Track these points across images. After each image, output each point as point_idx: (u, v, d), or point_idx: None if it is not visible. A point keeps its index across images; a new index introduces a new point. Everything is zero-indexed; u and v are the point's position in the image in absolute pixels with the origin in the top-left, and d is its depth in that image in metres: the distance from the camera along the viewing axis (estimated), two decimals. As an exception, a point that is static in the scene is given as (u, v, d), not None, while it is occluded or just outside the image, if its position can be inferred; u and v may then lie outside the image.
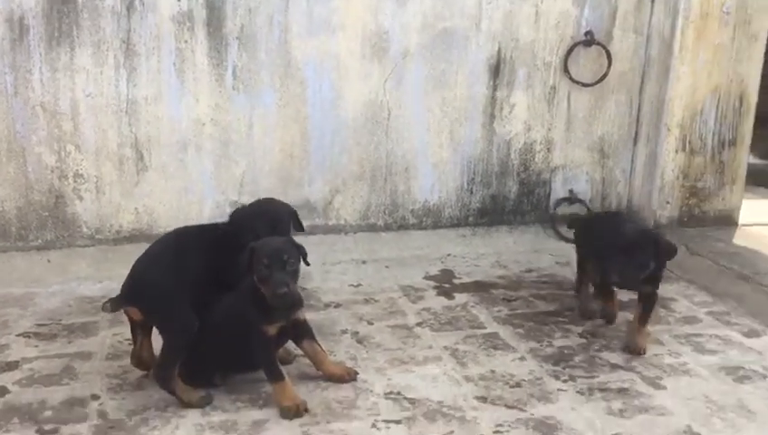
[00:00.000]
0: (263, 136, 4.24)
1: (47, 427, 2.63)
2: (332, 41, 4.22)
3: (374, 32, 4.26)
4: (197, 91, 4.12)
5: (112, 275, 3.98)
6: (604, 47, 4.55)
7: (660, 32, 4.57)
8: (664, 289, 4.01)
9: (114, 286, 3.88)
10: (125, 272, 4.02)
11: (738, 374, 3.10)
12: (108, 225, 4.16)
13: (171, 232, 3.13)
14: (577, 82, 4.57)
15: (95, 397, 2.84)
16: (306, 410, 2.72)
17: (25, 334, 3.36)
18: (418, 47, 4.33)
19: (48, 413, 2.72)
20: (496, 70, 4.46)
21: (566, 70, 4.55)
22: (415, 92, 4.38)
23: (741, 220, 4.81)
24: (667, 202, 4.64)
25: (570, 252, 4.63)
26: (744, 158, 4.75)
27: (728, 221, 4.75)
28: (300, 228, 3.22)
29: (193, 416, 2.71)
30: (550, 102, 4.58)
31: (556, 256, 4.52)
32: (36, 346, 3.25)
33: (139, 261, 3.00)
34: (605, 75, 4.58)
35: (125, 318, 3.48)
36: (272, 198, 3.32)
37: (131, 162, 4.12)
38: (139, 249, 4.19)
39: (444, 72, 4.39)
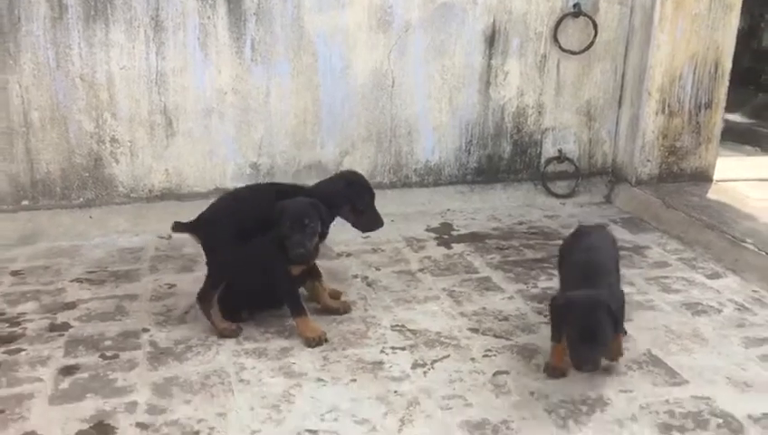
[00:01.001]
0: (279, 103, 4.68)
1: (108, 353, 3.12)
2: (341, 15, 4.63)
3: (379, 6, 4.67)
4: (219, 63, 4.54)
5: (147, 229, 4.50)
6: (591, 18, 4.95)
7: (642, 3, 4.96)
8: (640, 238, 4.51)
9: (149, 239, 4.42)
10: (158, 226, 4.57)
11: (697, 309, 3.58)
12: (141, 184, 4.62)
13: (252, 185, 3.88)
14: (566, 51, 4.98)
15: (145, 330, 3.33)
16: (326, 340, 3.22)
17: (77, 280, 3.85)
18: (420, 20, 4.74)
19: (108, 343, 3.21)
20: (491, 40, 4.87)
21: (556, 39, 4.95)
22: (416, 62, 4.80)
23: (716, 176, 5.26)
24: (648, 160, 5.08)
25: (557, 206, 5.12)
26: (719, 119, 5.17)
27: (704, 177, 5.20)
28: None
29: (229, 344, 3.21)
30: (541, 70, 5.00)
31: (545, 210, 4.99)
32: (89, 289, 3.73)
33: (214, 202, 3.59)
34: (591, 44, 4.99)
35: (163, 266, 4.01)
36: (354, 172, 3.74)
37: (161, 128, 4.56)
38: (170, 207, 4.74)
39: (443, 43, 4.81)
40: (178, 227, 3.42)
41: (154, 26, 4.39)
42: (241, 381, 2.93)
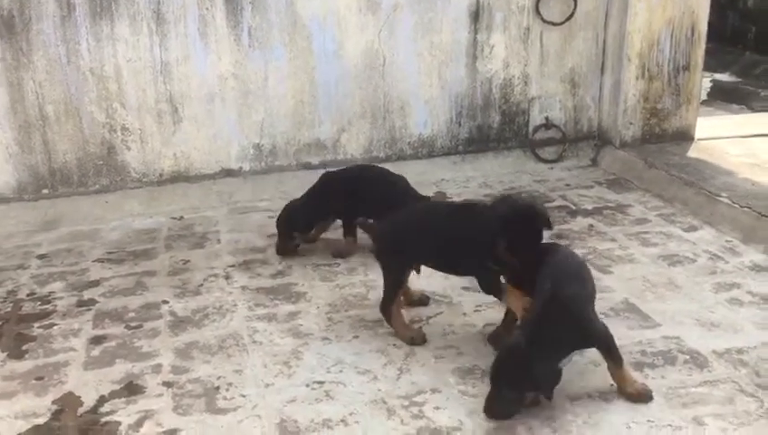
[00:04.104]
0: (277, 86, 4.95)
1: (133, 324, 3.44)
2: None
3: (368, -12, 4.92)
4: (219, 51, 4.81)
5: (159, 211, 4.80)
6: (570, -10, 5.18)
7: (620, -27, 5.19)
8: (624, 197, 4.78)
9: (162, 220, 4.72)
10: (170, 208, 4.87)
11: (673, 260, 3.87)
12: (152, 169, 4.92)
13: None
14: (548, 22, 5.21)
15: (165, 302, 3.64)
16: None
17: (99, 260, 4.15)
18: (406, 0, 4.98)
19: (131, 314, 3.52)
20: (476, 16, 5.11)
21: (538, 12, 5.19)
22: (406, 40, 5.05)
23: (697, 135, 5.50)
24: (631, 123, 5.33)
25: (546, 171, 5.38)
26: (698, 80, 5.40)
27: (685, 137, 5.45)
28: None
29: (242, 311, 3.52)
30: (525, 42, 5.24)
31: (534, 175, 5.26)
32: (110, 268, 4.04)
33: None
34: (572, 15, 5.22)
35: (177, 244, 4.30)
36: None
37: (168, 115, 4.84)
38: (180, 189, 5.02)
39: (430, 21, 5.05)
40: (363, 226, 3.48)
41: (156, 19, 4.65)
42: (254, 342, 3.24)
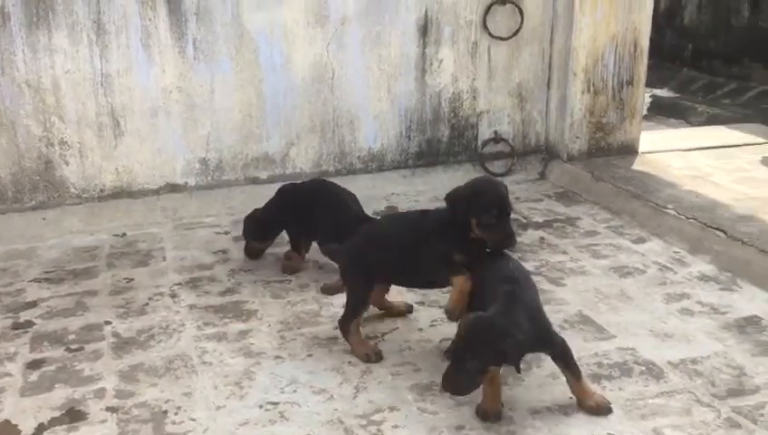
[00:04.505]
0: (223, 99, 4.83)
1: (73, 346, 3.27)
2: (279, 12, 4.80)
3: (315, 1, 4.85)
4: (163, 63, 4.67)
5: (101, 228, 4.63)
6: (517, 5, 5.22)
7: (565, -11, 5.26)
8: (573, 210, 4.81)
9: (104, 237, 4.55)
10: (111, 225, 4.70)
11: (623, 271, 3.90)
12: (92, 184, 4.73)
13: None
14: (495, 37, 5.24)
15: (108, 322, 3.48)
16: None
17: (36, 280, 3.96)
18: (355, 13, 4.94)
19: (72, 337, 3.35)
20: (425, 29, 5.11)
21: (485, 26, 5.21)
22: (354, 53, 5.00)
23: (641, 149, 5.60)
24: (577, 137, 5.39)
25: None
26: (640, 95, 5.50)
27: (629, 150, 5.53)
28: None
29: (190, 331, 3.39)
30: (473, 56, 5.25)
31: (484, 189, 5.26)
32: (48, 289, 3.85)
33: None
34: (519, 30, 5.26)
35: (119, 262, 4.14)
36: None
37: (109, 129, 4.68)
38: (122, 205, 4.86)
39: (379, 34, 5.02)
40: (324, 250, 3.49)
41: (96, 30, 4.50)
42: (204, 363, 3.11)
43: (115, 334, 3.37)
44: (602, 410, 2.69)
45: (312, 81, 4.97)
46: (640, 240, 4.30)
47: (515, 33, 5.26)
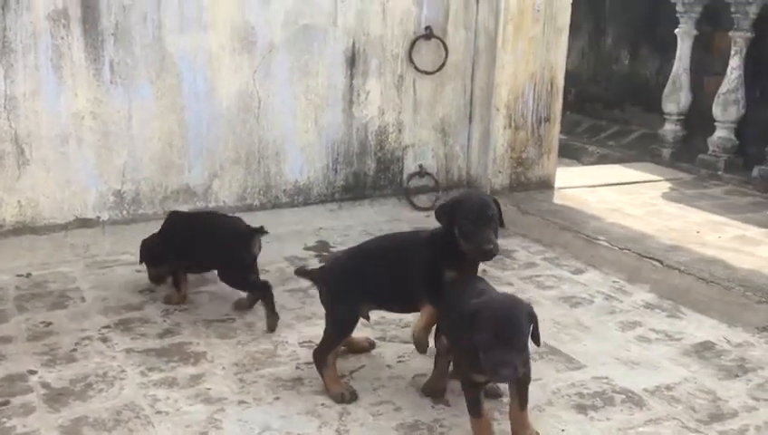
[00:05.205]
0: (142, 127, 4.49)
1: (-3, 400, 2.83)
2: (204, 36, 4.55)
3: (242, 27, 4.64)
4: (75, 86, 4.28)
5: (2, 267, 4.13)
6: (441, 40, 5.24)
7: (486, 27, 5.34)
8: (506, 242, 4.81)
9: (6, 278, 4.06)
10: (14, 265, 4.22)
11: (572, 301, 3.90)
12: (-9, 219, 4.23)
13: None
14: (421, 71, 5.23)
15: (32, 372, 3.04)
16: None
17: (-67, 327, 3.44)
18: (283, 41, 4.77)
19: (-8, 390, 2.91)
20: (352, 61, 5.01)
21: (411, 60, 5.19)
22: (282, 82, 4.81)
23: (556, 184, 5.74)
24: (500, 171, 5.45)
25: (422, 218, 5.32)
26: (556, 132, 5.66)
27: (547, 185, 5.66)
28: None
29: (134, 377, 3.02)
30: (399, 89, 5.21)
31: (412, 223, 5.13)
32: (-50, 336, 3.35)
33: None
34: (443, 65, 5.28)
35: (31, 304, 3.69)
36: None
37: (12, 157, 4.21)
38: (25, 241, 4.37)
39: (307, 64, 4.87)
40: (302, 273, 3.18)
41: (1, 48, 4.06)
42: (158, 412, 2.77)
43: (44, 385, 2.95)
44: None
45: (238, 110, 4.72)
46: (578, 271, 4.35)
47: (440, 68, 5.27)
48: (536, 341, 2.51)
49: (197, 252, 3.62)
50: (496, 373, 2.38)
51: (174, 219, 3.84)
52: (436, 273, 2.78)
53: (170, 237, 3.74)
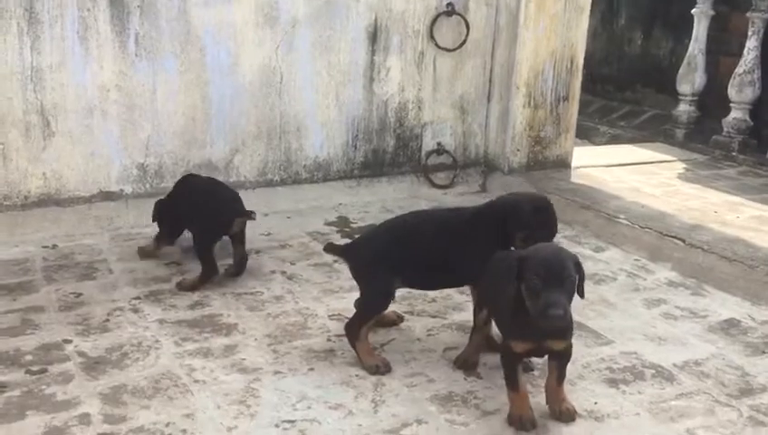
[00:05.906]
0: (166, 101, 4.48)
1: (34, 368, 2.86)
2: (228, 10, 4.53)
3: (265, 1, 4.62)
4: (101, 58, 4.27)
5: (26, 239, 4.16)
6: (463, 17, 5.23)
7: (507, 3, 5.32)
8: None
9: (32, 249, 4.08)
10: (39, 236, 4.25)
11: (596, 279, 3.93)
12: (16, 191, 4.23)
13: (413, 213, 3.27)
14: (441, 48, 5.22)
15: (67, 341, 3.07)
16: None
17: (-36, 297, 3.46)
18: (306, 16, 4.75)
19: (29, 357, 2.93)
20: (374, 37, 5.00)
21: (432, 37, 5.18)
22: (304, 58, 4.80)
23: (573, 163, 5.75)
24: (518, 150, 5.46)
25: (440, 196, 5.34)
26: (575, 111, 5.66)
27: (564, 164, 5.67)
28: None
29: (168, 347, 3.06)
30: (419, 66, 5.20)
31: (430, 200, 5.18)
32: (-18, 305, 3.38)
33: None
34: (464, 42, 5.27)
35: (59, 275, 3.71)
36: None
37: (38, 129, 4.21)
38: (50, 213, 4.40)
39: (329, 39, 4.86)
40: (331, 249, 3.11)
41: (28, 18, 4.05)
42: (196, 381, 2.81)
43: (81, 353, 2.98)
44: (566, 417, 2.62)
45: (260, 85, 4.71)
46: (599, 249, 4.37)
47: (461, 45, 5.26)
48: (581, 293, 2.49)
49: (182, 209, 3.79)
50: (546, 315, 2.34)
51: (182, 179, 4.02)
52: (489, 252, 2.77)
53: (173, 195, 3.92)
